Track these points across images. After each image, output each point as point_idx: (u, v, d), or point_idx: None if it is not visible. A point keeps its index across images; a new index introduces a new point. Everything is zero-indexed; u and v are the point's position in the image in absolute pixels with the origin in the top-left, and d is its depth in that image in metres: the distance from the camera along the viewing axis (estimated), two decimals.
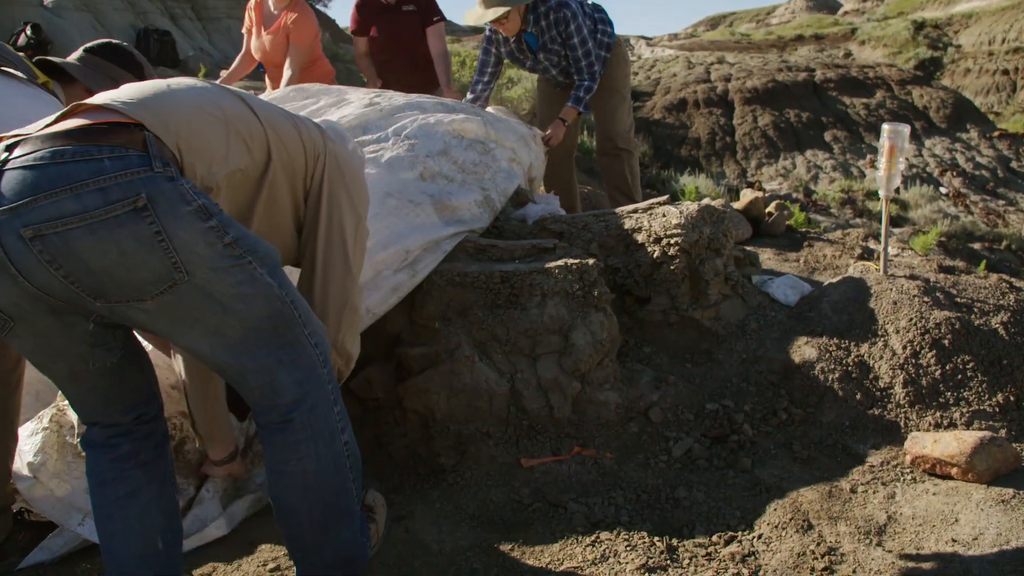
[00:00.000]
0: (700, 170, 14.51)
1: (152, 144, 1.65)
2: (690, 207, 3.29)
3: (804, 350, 3.03)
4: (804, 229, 5.66)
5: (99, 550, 2.03)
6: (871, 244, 4.83)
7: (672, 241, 3.15)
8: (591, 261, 2.94)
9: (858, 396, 2.87)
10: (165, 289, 1.66)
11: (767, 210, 5.42)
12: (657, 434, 2.83)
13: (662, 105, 17.85)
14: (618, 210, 3.44)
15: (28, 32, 10.65)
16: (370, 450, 2.81)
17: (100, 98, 1.74)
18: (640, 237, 3.23)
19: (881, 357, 2.93)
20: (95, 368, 1.85)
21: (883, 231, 3.38)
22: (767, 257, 4.51)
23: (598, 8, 4.74)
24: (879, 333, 3.01)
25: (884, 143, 3.29)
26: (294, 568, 2.06)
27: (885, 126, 3.32)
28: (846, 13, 35.39)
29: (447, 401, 2.72)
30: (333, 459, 1.97)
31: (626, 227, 3.28)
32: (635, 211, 3.37)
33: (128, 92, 1.78)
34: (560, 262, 2.91)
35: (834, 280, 3.45)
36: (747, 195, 5.52)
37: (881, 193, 3.35)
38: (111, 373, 1.89)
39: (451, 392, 2.71)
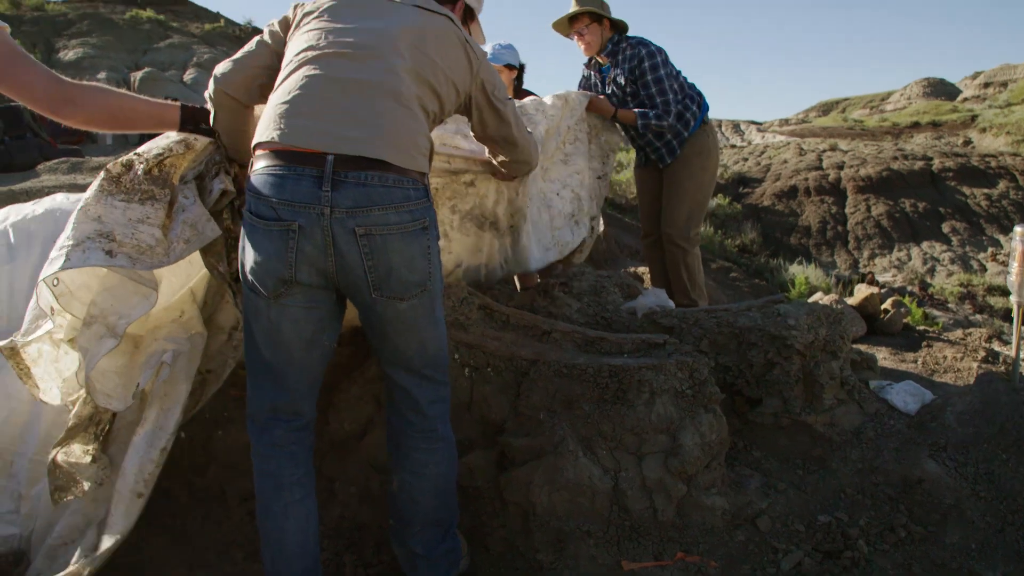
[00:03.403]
0: (810, 259, 14.21)
1: (427, 182, 2.28)
2: (806, 307, 3.20)
3: (925, 463, 2.87)
4: (922, 327, 5.43)
5: None
6: (995, 346, 4.59)
7: (787, 342, 3.06)
8: (702, 359, 2.88)
9: (987, 517, 2.69)
10: (418, 293, 2.24)
11: (883, 307, 5.24)
12: (765, 545, 2.71)
13: (772, 192, 17.66)
14: (731, 307, 3.37)
15: None
16: (467, 540, 2.78)
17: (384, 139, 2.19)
18: (753, 336, 3.15)
19: (1013, 476, 2.75)
20: (326, 345, 2.35)
21: (1015, 340, 3.20)
22: (883, 357, 4.34)
23: (693, 87, 4.73)
24: (1010, 449, 2.83)
25: (1016, 246, 3.14)
26: None
27: (1017, 228, 3.16)
28: (965, 100, 34.46)
29: (548, 495, 2.67)
30: (455, 463, 2.51)
31: (739, 325, 3.21)
32: (749, 308, 3.30)
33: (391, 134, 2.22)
34: (670, 359, 2.86)
35: (959, 387, 3.28)
36: (862, 291, 5.37)
37: (1013, 299, 3.18)
38: (323, 359, 2.37)
39: (553, 486, 2.67)
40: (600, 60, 4.71)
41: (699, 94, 4.73)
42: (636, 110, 4.50)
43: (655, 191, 4.94)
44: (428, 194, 2.26)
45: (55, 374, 2.48)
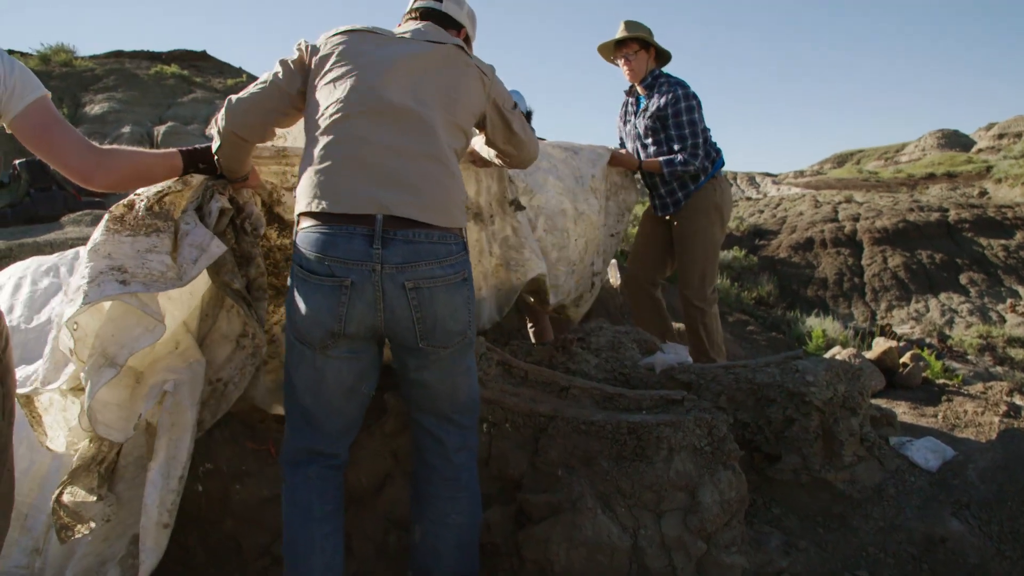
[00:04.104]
0: (827, 311, 14.15)
1: (466, 236, 2.42)
2: (825, 362, 3.20)
3: (948, 521, 2.84)
4: (941, 381, 5.38)
5: None
6: (1016, 399, 4.54)
7: (805, 398, 3.05)
8: (721, 416, 2.87)
9: None
10: (459, 341, 2.36)
11: (902, 360, 5.20)
12: None
13: (788, 244, 17.67)
14: (749, 363, 3.37)
15: None
16: None
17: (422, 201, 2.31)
18: (772, 392, 3.15)
19: None
20: (365, 393, 2.45)
21: None
22: (902, 411, 4.30)
23: (714, 145, 4.70)
24: None
25: None
26: None
27: None
28: (980, 151, 34.36)
29: (567, 553, 2.65)
30: (478, 515, 2.54)
31: (757, 381, 3.20)
32: (767, 364, 3.30)
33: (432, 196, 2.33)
34: (689, 416, 2.85)
35: (980, 443, 3.25)
36: (880, 344, 5.33)
37: None
38: (362, 406, 2.48)
39: (571, 544, 2.65)
40: (639, 90, 4.70)
41: (717, 150, 4.73)
42: (661, 159, 4.50)
43: (655, 238, 4.92)
44: (466, 247, 2.41)
45: (63, 423, 2.54)
